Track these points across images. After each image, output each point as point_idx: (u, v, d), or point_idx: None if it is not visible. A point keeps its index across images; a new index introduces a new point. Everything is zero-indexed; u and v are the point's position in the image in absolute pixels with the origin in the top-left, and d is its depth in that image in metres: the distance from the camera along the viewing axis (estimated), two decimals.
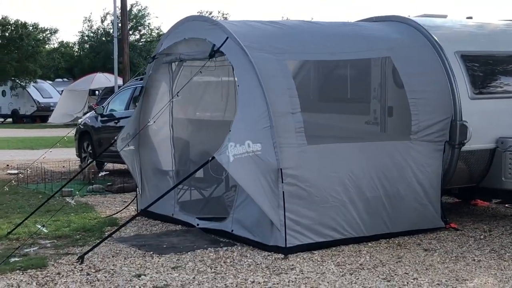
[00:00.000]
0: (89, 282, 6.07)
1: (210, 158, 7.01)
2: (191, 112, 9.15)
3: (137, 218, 8.97)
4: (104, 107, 14.41)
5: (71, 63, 53.83)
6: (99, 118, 14.29)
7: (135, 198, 9.48)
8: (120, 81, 29.62)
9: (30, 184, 12.74)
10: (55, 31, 49.86)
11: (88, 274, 6.33)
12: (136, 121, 8.99)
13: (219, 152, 6.92)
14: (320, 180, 7.16)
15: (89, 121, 14.79)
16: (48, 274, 6.33)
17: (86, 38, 54.15)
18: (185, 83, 7.97)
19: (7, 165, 16.38)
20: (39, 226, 7.35)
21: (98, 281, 6.11)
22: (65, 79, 53.33)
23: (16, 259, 6.76)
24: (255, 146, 6.91)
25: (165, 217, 8.80)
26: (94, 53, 51.50)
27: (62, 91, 45.20)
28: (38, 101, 43.31)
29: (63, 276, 6.28)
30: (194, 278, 6.15)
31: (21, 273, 6.38)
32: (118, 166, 13.93)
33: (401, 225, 7.68)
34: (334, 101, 8.78)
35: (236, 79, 7.67)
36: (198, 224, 8.15)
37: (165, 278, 6.15)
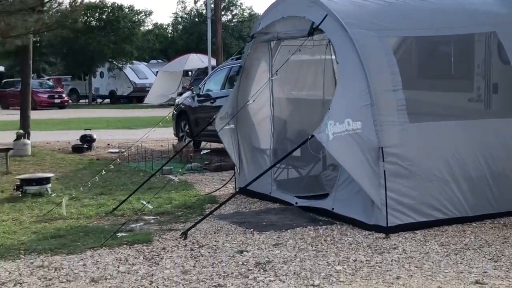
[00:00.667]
0: (193, 257, 6.20)
1: (310, 137, 6.99)
2: (289, 91, 9.15)
3: (235, 196, 9.13)
4: (201, 87, 14.65)
5: (165, 45, 54.90)
6: (196, 98, 14.53)
7: (233, 177, 9.59)
8: (213, 62, 29.93)
9: (131, 162, 13.10)
10: (150, 13, 51.28)
11: (192, 250, 6.48)
12: (234, 100, 9.08)
13: (318, 130, 6.89)
14: (422, 158, 7.03)
15: (186, 101, 15.04)
16: (154, 249, 6.51)
17: (180, 19, 55.07)
18: (284, 62, 7.96)
19: (108, 144, 16.93)
20: (144, 203, 7.55)
21: (202, 256, 6.24)
22: (159, 61, 54.44)
23: (123, 234, 6.99)
24: (355, 124, 6.84)
25: (262, 195, 8.88)
26: (188, 34, 52.31)
27: (157, 72, 46.25)
28: (134, 82, 44.44)
29: (168, 251, 6.45)
30: (295, 255, 6.18)
31: (128, 248, 6.60)
32: (214, 145, 14.12)
33: (507, 205, 7.46)
34: (436, 78, 8.57)
35: (335, 57, 7.61)
36: (296, 203, 8.18)
37: (267, 255, 6.21)
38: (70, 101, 42.27)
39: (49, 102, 38.84)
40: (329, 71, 9.22)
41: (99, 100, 46.59)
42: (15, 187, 9.77)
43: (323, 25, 7.43)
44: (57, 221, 7.98)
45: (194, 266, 5.91)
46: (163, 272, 5.76)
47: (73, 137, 18.34)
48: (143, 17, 48.99)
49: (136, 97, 45.00)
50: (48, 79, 45.56)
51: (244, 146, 9.24)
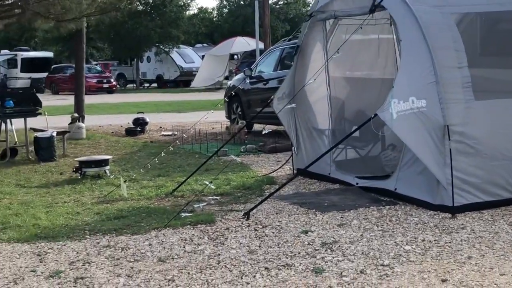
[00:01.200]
0: (258, 237, 6.18)
1: (373, 115, 6.88)
2: (346, 70, 9.02)
3: (294, 174, 9.15)
4: (253, 69, 14.60)
5: (211, 28, 54.98)
6: (248, 80, 14.48)
7: (291, 157, 9.54)
8: (261, 45, 29.83)
9: (185, 145, 13.14)
10: None
11: (255, 230, 6.46)
12: (291, 80, 9.00)
13: (381, 109, 6.77)
14: (489, 137, 6.87)
15: (238, 83, 15.02)
16: (218, 229, 6.51)
17: (225, 2, 54.98)
18: (345, 40, 7.86)
19: (160, 127, 17.03)
20: (207, 183, 7.56)
21: (267, 236, 6.21)
22: (205, 44, 54.60)
23: (186, 214, 7.01)
24: (420, 102, 6.71)
25: (321, 176, 8.81)
26: (233, 17, 52.32)
27: (203, 56, 46.38)
28: (181, 66, 44.65)
29: (232, 231, 6.44)
30: (361, 235, 6.11)
31: (191, 228, 6.61)
32: (268, 127, 14.06)
33: None
34: (501, 55, 8.34)
35: (397, 35, 7.47)
36: (357, 183, 8.09)
37: (332, 235, 6.16)
38: (118, 86, 42.71)
39: (98, 87, 39.35)
40: (389, 50, 9.07)
41: (146, 85, 47.00)
42: (74, 169, 9.89)
43: (385, 1, 7.29)
44: (118, 202, 8.04)
45: (259, 246, 5.89)
46: (229, 252, 5.76)
47: (124, 120, 18.58)
48: (189, 1, 49.10)
49: (183, 81, 45.25)
50: (96, 64, 46.15)
51: (301, 127, 9.16)
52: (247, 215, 6.93)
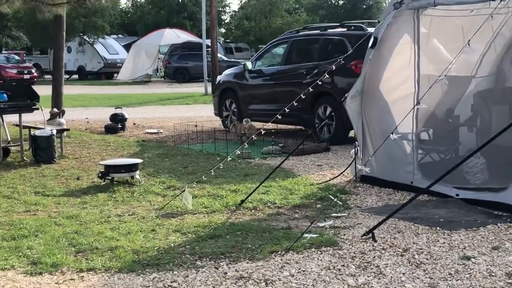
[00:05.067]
0: (415, 265, 5.17)
1: None
2: (442, 67, 8.10)
3: (356, 184, 8.33)
4: (253, 62, 13.53)
5: (133, 20, 53.09)
6: (247, 74, 13.41)
7: (353, 162, 8.56)
8: (192, 37, 28.69)
9: (191, 145, 12.07)
10: None
11: (400, 255, 5.43)
12: (365, 76, 8.06)
13: None
14: None
15: (232, 77, 13.91)
16: (352, 254, 5.44)
17: None
18: (476, 30, 6.91)
19: (134, 124, 15.71)
20: (333, 198, 6.49)
21: (423, 263, 5.21)
22: (120, 36, 52.81)
23: (310, 235, 5.89)
24: None
25: (398, 184, 7.91)
26: (157, 8, 50.56)
27: (124, 46, 44.64)
28: (105, 58, 42.82)
29: (373, 257, 5.37)
30: None
31: (319, 252, 5.54)
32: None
33: None
34: None
35: None
36: (457, 195, 7.22)
37: (504, 262, 5.22)
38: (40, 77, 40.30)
39: (18, 78, 36.77)
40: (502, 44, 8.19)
41: (66, 76, 44.52)
42: (99, 174, 8.54)
43: None
44: (185, 216, 6.90)
45: (430, 278, 4.87)
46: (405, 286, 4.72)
47: (79, 116, 17.45)
48: None
49: (106, 73, 43.43)
50: (9, 54, 43.29)
51: (370, 129, 8.21)
52: (372, 236, 5.90)
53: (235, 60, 40.48)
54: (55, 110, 13.04)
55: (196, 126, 12.81)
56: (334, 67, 8.15)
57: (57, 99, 14.14)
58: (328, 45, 12.20)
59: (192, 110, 19.94)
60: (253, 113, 13.22)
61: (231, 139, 12.21)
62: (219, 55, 30.89)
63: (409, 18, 7.74)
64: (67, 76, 44.28)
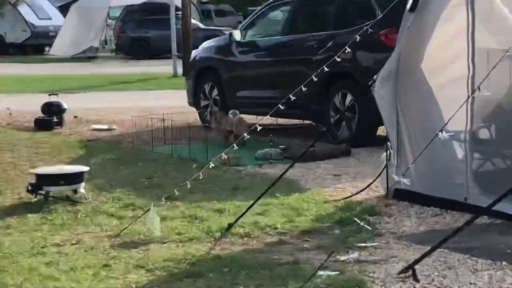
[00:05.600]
0: None
1: None
2: (509, 38, 8.18)
3: (389, 201, 8.43)
4: (242, 31, 13.67)
5: None
6: (235, 48, 13.55)
7: (384, 170, 8.65)
8: None
9: (157, 147, 12.31)
10: None
11: None
12: (400, 53, 8.19)
13: None
14: None
15: (213, 52, 14.08)
16: None
17: None
18: None
19: (75, 117, 15.89)
20: (360, 222, 6.57)
21: None
22: None
23: (327, 272, 5.97)
24: None
25: (446, 201, 8.04)
26: None
27: (62, 9, 44.67)
28: (32, 24, 42.89)
29: None
30: None
31: None
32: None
33: None
34: None
35: None
36: None
37: None
38: None
39: None
40: None
41: None
42: (28, 188, 8.64)
43: None
44: (150, 246, 7.04)
45: None
46: None
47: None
48: None
49: (34, 45, 43.53)
50: None
51: (408, 125, 8.33)
52: (413, 274, 5.98)
53: (216, 28, 40.68)
54: None
55: (163, 120, 12.90)
56: (357, 37, 8.21)
57: None
58: (348, 7, 12.24)
59: (157, 98, 20.03)
60: (243, 102, 13.36)
61: (212, 139, 12.27)
62: (193, 20, 31.02)
63: None
64: None
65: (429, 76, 8.16)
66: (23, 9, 43.16)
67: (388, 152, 8.49)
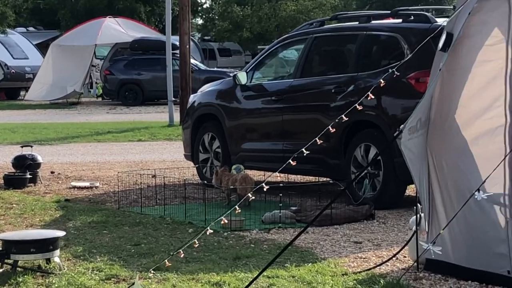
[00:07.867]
0: None
1: None
2: None
3: (419, 274, 8.46)
4: (248, 73, 13.72)
5: (52, 3, 54.06)
6: (241, 92, 13.60)
7: (413, 236, 8.61)
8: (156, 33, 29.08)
9: (147, 208, 12.43)
10: None
11: None
12: (431, 98, 8.17)
13: None
14: None
15: (214, 97, 14.19)
16: None
17: None
18: None
19: (52, 172, 16.00)
20: None
21: None
22: (31, 28, 53.44)
23: None
24: None
25: (486, 274, 8.03)
26: None
27: (41, 47, 45.00)
28: (5, 65, 43.15)
29: None
30: None
31: None
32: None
33: None
34: None
35: None
36: None
37: None
38: None
39: None
40: None
41: None
42: None
43: None
44: None
45: None
46: None
47: None
48: None
49: (7, 89, 43.79)
50: None
51: (441, 184, 8.29)
52: None
53: (220, 69, 40.90)
54: None
55: (154, 177, 12.91)
56: (382, 81, 8.22)
57: None
58: (372, 46, 12.30)
59: (148, 151, 20.20)
60: (248, 156, 13.44)
61: (212, 199, 12.34)
62: (193, 61, 31.22)
63: (501, 3, 7.89)
64: None
65: (462, 126, 8.15)
66: None
67: (418, 215, 8.46)
